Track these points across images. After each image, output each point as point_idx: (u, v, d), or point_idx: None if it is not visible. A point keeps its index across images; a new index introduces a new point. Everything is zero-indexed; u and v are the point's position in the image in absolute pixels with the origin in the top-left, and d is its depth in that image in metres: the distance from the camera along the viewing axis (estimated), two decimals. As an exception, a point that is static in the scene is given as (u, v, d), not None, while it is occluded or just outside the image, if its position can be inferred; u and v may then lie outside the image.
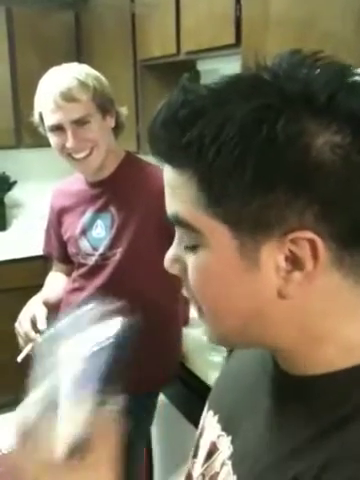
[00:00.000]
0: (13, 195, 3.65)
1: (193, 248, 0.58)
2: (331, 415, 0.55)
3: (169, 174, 0.58)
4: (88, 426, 0.61)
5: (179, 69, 2.79)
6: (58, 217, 1.84)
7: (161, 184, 1.79)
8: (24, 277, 2.83)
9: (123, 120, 1.74)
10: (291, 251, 0.53)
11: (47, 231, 1.96)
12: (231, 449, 0.67)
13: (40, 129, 1.71)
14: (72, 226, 1.78)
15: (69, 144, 1.59)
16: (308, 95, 0.52)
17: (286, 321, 0.58)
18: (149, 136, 0.58)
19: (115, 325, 0.62)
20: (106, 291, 1.68)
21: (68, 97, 1.57)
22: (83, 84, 1.60)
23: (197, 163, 0.53)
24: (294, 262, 0.54)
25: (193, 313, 2.12)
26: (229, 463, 0.66)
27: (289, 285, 0.55)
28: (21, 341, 1.68)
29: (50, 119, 1.61)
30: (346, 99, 0.51)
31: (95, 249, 1.70)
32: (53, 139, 1.64)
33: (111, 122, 1.68)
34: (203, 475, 0.73)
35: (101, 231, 1.70)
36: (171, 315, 1.81)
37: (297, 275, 0.54)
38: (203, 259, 0.57)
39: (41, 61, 3.20)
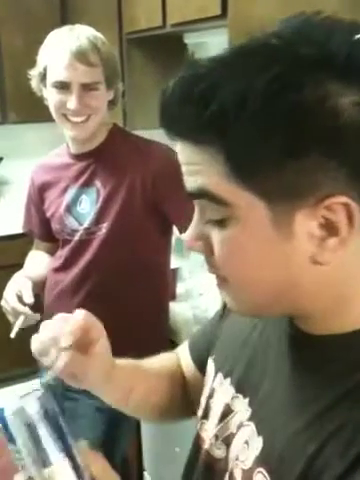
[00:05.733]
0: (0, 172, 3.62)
1: (220, 222, 0.57)
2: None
3: (189, 152, 0.57)
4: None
5: (165, 43, 2.76)
6: (40, 193, 1.80)
7: (147, 158, 1.78)
8: (13, 254, 2.81)
9: (119, 96, 1.72)
10: (325, 218, 0.53)
11: (27, 208, 1.91)
12: (250, 411, 0.68)
13: (34, 84, 1.66)
14: (55, 203, 1.75)
15: (72, 105, 1.56)
16: (326, 57, 0.52)
17: (319, 287, 0.58)
18: (163, 115, 0.57)
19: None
20: (92, 267, 1.68)
21: (84, 60, 1.54)
22: (98, 50, 1.58)
23: (222, 138, 0.52)
24: (328, 228, 0.54)
25: (180, 288, 2.13)
26: (252, 424, 0.66)
27: (324, 252, 0.55)
28: (10, 317, 1.67)
29: (59, 75, 1.56)
30: None
31: (81, 224, 1.68)
32: (54, 96, 1.60)
33: (110, 95, 1.67)
34: (217, 436, 0.74)
35: (86, 206, 1.68)
36: (158, 289, 1.80)
37: (332, 241, 0.54)
38: (233, 232, 0.57)
39: (26, 35, 3.15)
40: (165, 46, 2.78)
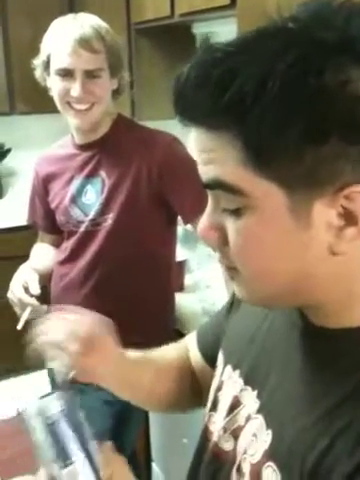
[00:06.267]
0: (8, 163, 3.61)
1: (236, 211, 0.56)
2: None
3: (203, 139, 0.55)
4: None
5: (174, 33, 2.75)
6: (44, 185, 1.79)
7: (153, 148, 1.76)
8: (21, 246, 2.82)
9: (124, 85, 1.71)
10: (344, 207, 0.52)
11: (31, 200, 1.90)
12: (259, 403, 0.67)
13: (38, 74, 1.65)
14: (60, 194, 1.74)
15: (75, 93, 1.55)
16: (346, 42, 0.51)
17: (334, 278, 0.57)
18: (178, 100, 0.55)
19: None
20: (99, 259, 1.68)
21: (87, 46, 1.53)
22: (102, 38, 1.57)
23: (240, 124, 0.51)
24: (347, 218, 0.53)
25: (188, 280, 2.13)
26: (260, 417, 0.66)
27: (341, 242, 0.54)
28: (17, 309, 1.66)
29: (62, 62, 1.55)
30: None
31: (86, 215, 1.67)
32: (58, 84, 1.59)
33: (114, 83, 1.66)
34: (225, 429, 0.73)
35: (91, 196, 1.67)
36: (163, 281, 1.79)
37: (350, 231, 0.53)
38: (249, 222, 0.55)
39: (33, 26, 3.14)
40: (173, 36, 2.76)
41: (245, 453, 0.67)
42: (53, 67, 1.58)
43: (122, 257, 1.67)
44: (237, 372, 0.74)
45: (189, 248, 2.20)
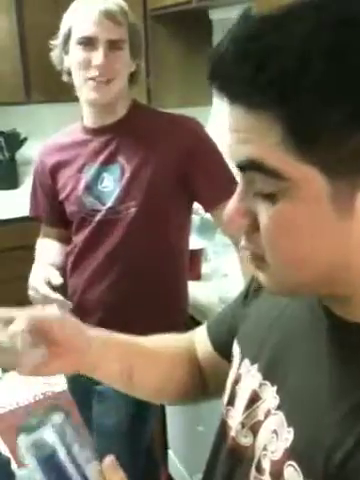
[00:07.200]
0: (24, 152, 3.62)
1: (271, 196, 0.52)
2: None
3: (241, 118, 0.51)
4: None
5: (190, 19, 2.73)
6: (51, 175, 1.72)
7: (180, 132, 1.75)
8: (36, 235, 2.84)
9: (140, 72, 1.68)
10: None
11: (33, 192, 1.84)
12: (278, 399, 0.65)
13: (55, 54, 1.61)
14: (70, 183, 1.66)
15: (98, 61, 1.51)
16: None
17: None
18: (215, 76, 0.52)
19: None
20: (121, 249, 1.62)
21: (111, 17, 1.53)
22: (125, 13, 1.57)
23: (281, 103, 0.48)
24: None
25: (204, 268, 2.12)
26: (280, 413, 0.64)
27: None
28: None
29: (85, 31, 1.53)
30: None
31: (103, 204, 1.60)
32: (79, 54, 1.55)
33: (133, 66, 1.63)
34: (243, 424, 0.71)
35: (108, 184, 1.60)
36: (179, 270, 1.75)
37: None
38: (285, 208, 0.52)
39: (49, 15, 3.13)
40: (190, 23, 2.74)
41: (265, 449, 0.65)
42: (75, 37, 1.55)
43: (145, 247, 1.62)
44: (255, 366, 0.72)
45: (206, 237, 2.19)
